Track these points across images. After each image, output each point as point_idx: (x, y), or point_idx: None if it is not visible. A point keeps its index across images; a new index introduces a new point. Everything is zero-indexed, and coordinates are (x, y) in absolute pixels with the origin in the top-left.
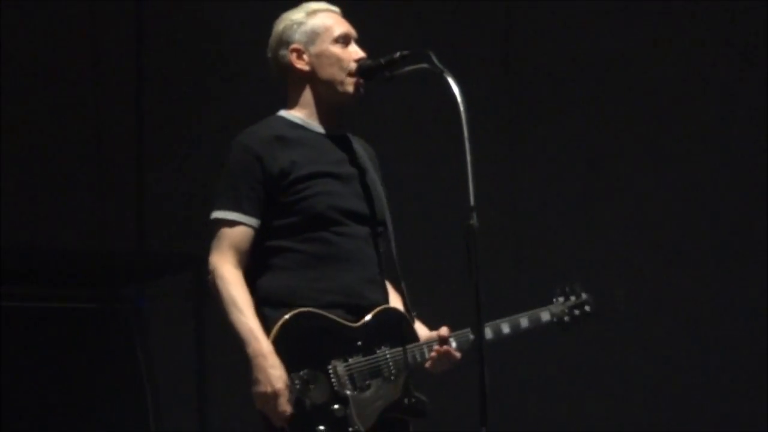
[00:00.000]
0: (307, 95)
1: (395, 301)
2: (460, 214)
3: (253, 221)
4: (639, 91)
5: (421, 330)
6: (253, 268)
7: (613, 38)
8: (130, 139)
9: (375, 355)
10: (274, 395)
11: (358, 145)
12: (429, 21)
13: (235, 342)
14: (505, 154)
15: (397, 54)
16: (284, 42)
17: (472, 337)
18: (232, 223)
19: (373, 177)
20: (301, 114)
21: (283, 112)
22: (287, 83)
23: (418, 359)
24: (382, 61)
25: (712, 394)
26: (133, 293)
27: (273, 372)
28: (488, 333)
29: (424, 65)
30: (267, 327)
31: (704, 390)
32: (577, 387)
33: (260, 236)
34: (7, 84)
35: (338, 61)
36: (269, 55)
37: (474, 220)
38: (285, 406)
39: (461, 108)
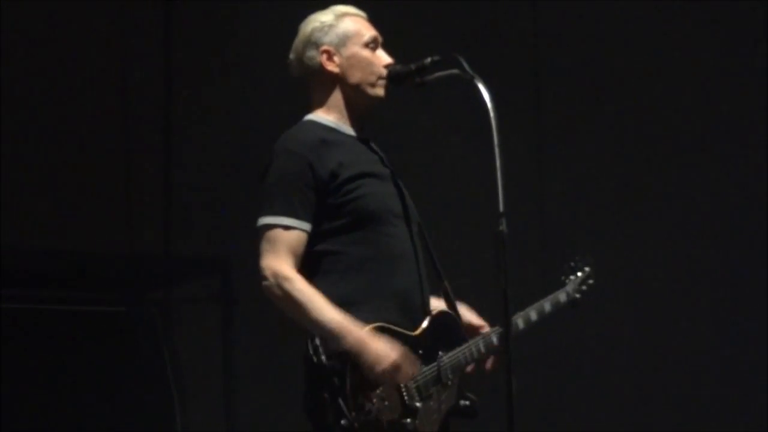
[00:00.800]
0: (336, 98)
1: (435, 299)
2: (489, 219)
3: (308, 226)
4: (667, 98)
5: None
6: (300, 274)
7: (641, 46)
8: (157, 142)
9: (435, 363)
10: (397, 365)
11: (376, 147)
12: (455, 26)
13: (300, 337)
14: (532, 160)
15: (428, 59)
16: (313, 43)
17: (521, 326)
18: (287, 228)
19: (398, 177)
20: (330, 117)
21: (312, 117)
22: (313, 86)
23: (469, 359)
24: (413, 66)
25: (714, 394)
26: (160, 297)
27: (382, 347)
28: (520, 323)
29: (455, 71)
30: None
31: (705, 390)
32: (576, 386)
33: (308, 241)
34: (34, 86)
35: (369, 64)
36: (293, 56)
37: (503, 227)
38: (413, 368)
39: (491, 114)
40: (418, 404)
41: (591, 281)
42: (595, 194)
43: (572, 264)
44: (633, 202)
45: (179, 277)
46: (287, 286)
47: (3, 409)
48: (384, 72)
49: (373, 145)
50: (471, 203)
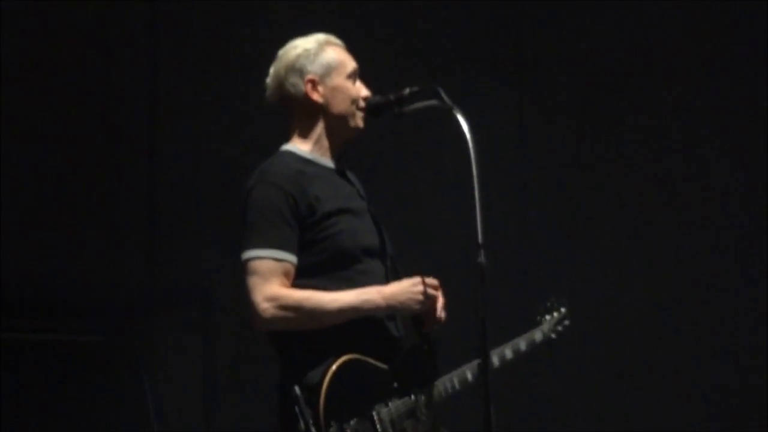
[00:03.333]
0: (318, 128)
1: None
2: (467, 251)
3: (295, 259)
4: (655, 101)
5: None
6: None
7: (626, 46)
8: (142, 169)
9: (409, 397)
10: (423, 290)
11: (353, 177)
12: (440, 23)
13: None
14: (515, 188)
15: (407, 90)
16: (297, 70)
17: (496, 363)
18: (277, 261)
19: (374, 209)
20: (308, 147)
21: (290, 147)
22: (293, 114)
23: (443, 395)
24: (392, 97)
25: (713, 396)
26: (141, 325)
27: (400, 287)
28: (495, 361)
29: (434, 102)
30: (304, 372)
31: (705, 391)
32: (573, 392)
33: None
34: (22, 96)
35: (351, 97)
36: (272, 81)
37: (482, 258)
38: (432, 290)
39: (470, 145)
40: None
41: (567, 322)
42: (578, 222)
43: (548, 304)
44: (617, 218)
45: (161, 305)
46: (288, 301)
47: None
48: (363, 104)
49: (349, 175)
50: (449, 234)
